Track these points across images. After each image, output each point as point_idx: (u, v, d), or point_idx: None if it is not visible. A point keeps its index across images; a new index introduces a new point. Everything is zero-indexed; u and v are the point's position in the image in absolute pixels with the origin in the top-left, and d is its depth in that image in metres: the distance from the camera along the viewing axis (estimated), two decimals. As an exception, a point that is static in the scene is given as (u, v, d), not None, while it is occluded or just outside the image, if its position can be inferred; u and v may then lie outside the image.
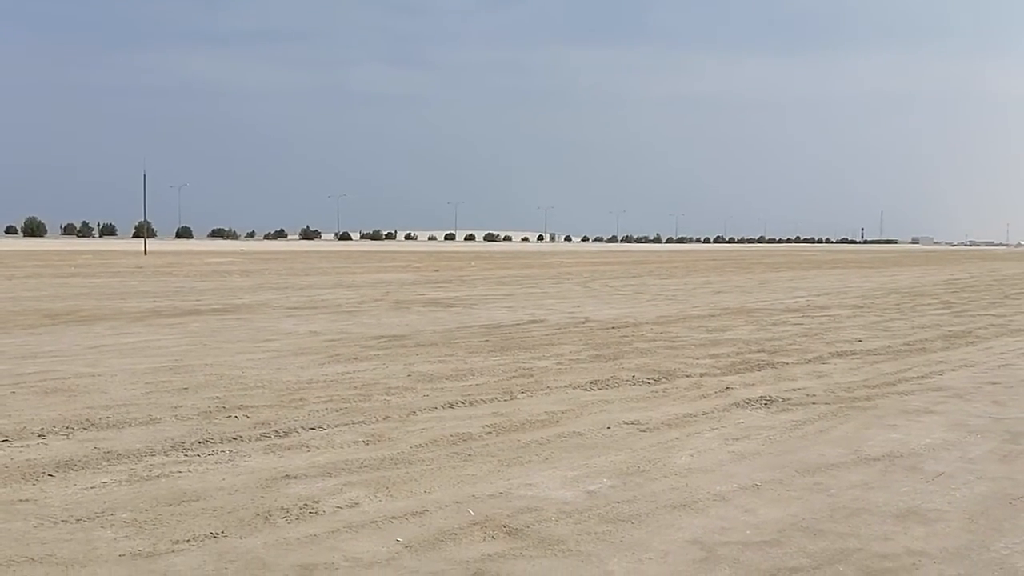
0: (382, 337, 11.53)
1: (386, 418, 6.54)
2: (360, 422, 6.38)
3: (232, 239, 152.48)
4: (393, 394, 7.49)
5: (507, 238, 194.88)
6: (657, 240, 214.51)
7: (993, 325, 13.97)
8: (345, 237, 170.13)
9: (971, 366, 9.53)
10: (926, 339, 11.91)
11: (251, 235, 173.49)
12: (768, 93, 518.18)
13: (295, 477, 4.96)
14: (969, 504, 4.64)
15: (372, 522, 4.22)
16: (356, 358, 9.59)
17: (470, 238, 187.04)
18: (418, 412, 6.77)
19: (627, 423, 6.46)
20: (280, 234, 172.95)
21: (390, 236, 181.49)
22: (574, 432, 6.16)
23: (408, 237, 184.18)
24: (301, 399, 7.18)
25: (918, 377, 8.72)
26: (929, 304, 18.50)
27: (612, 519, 4.34)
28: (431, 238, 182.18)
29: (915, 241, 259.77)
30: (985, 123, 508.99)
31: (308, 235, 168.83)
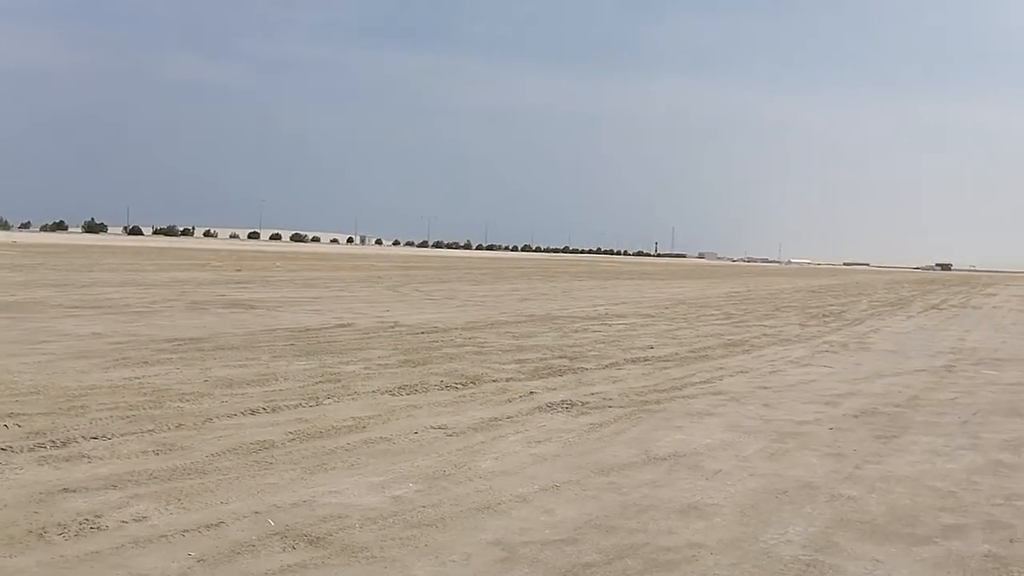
0: (176, 340, 10.88)
1: (179, 426, 6.18)
2: (150, 430, 5.99)
3: (2, 230, 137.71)
4: (188, 400, 7.09)
5: (315, 239, 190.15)
6: (468, 246, 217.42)
7: (765, 335, 15.38)
8: (135, 232, 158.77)
9: (746, 372, 10.44)
10: (709, 347, 12.90)
11: (26, 226, 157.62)
12: (575, 109, 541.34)
13: (74, 490, 4.57)
14: (742, 499, 5.08)
15: (161, 536, 3.98)
16: (146, 362, 8.99)
17: (276, 237, 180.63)
18: (216, 419, 6.46)
19: (434, 428, 6.52)
20: (60, 226, 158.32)
21: (187, 232, 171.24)
22: (381, 438, 6.12)
23: (207, 234, 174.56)
24: (82, 406, 6.63)
25: (701, 382, 9.43)
26: (712, 315, 20.06)
27: (417, 524, 4.36)
28: (233, 236, 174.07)
29: (702, 256, 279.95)
30: (762, 150, 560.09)
31: (92, 228, 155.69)
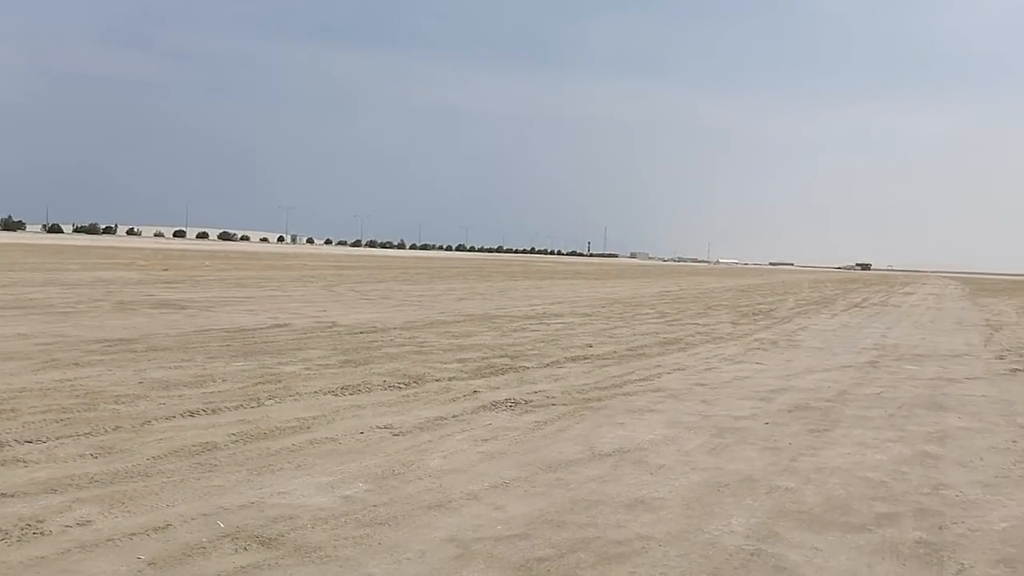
0: (106, 341, 10.56)
1: (117, 428, 6.03)
2: (87, 433, 5.82)
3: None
4: (123, 403, 6.91)
5: (245, 238, 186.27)
6: (401, 246, 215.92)
7: (699, 333, 15.74)
8: (55, 230, 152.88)
9: (683, 369, 10.68)
10: (645, 345, 13.14)
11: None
12: (508, 109, 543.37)
13: (12, 496, 4.42)
14: (686, 492, 5.22)
15: (108, 540, 3.89)
16: (77, 364, 8.71)
17: (203, 236, 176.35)
18: (154, 421, 6.32)
19: (380, 427, 6.50)
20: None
21: (109, 231, 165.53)
22: (327, 438, 6.08)
23: (131, 232, 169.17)
24: (13, 409, 6.40)
25: (640, 379, 9.61)
26: (647, 314, 20.41)
27: (369, 522, 4.36)
28: (158, 235, 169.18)
29: (634, 256, 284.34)
30: (692, 152, 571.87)
31: (10, 226, 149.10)
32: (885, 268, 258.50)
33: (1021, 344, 16.11)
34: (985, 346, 15.67)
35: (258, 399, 7.31)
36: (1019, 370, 11.93)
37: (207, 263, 42.56)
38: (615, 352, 12.02)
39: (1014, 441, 7.05)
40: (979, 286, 68.38)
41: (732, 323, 18.58)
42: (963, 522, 4.81)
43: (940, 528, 4.69)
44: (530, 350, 11.72)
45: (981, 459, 6.38)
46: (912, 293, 44.58)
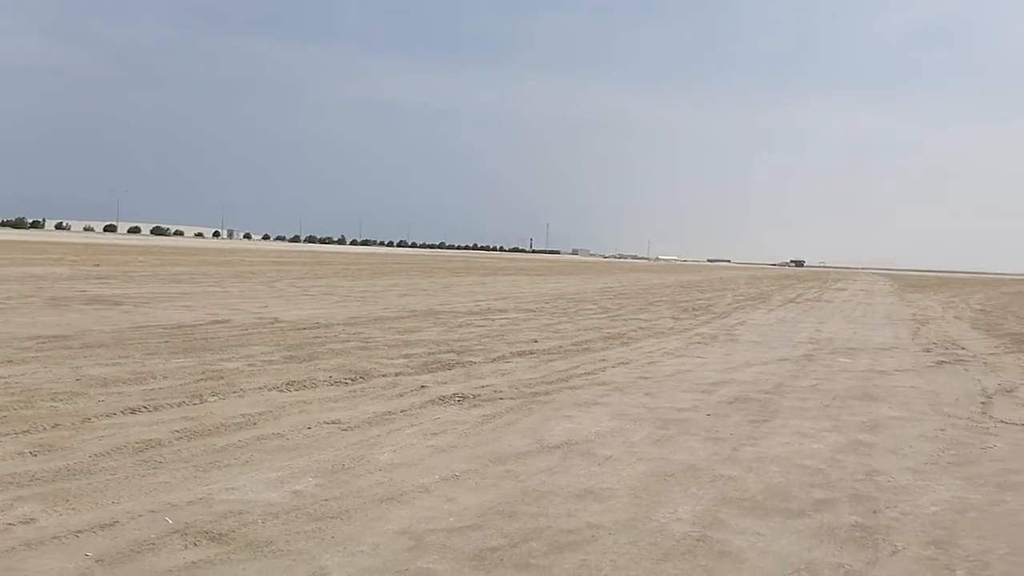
0: (39, 338, 10.25)
1: (56, 426, 5.88)
2: (24, 431, 5.67)
3: None
4: (61, 400, 6.73)
5: (179, 233, 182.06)
6: (342, 241, 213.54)
7: (641, 328, 15.98)
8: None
9: (627, 363, 10.85)
10: (589, 340, 13.29)
11: None
12: (450, 104, 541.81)
13: (-51, 496, 4.29)
14: (633, 482, 5.33)
15: (54, 538, 3.81)
16: (10, 361, 8.44)
17: (135, 231, 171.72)
18: (94, 419, 6.18)
19: (328, 423, 6.47)
20: None
21: (36, 225, 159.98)
22: (274, 434, 6.03)
23: (59, 227, 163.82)
24: (-57, 408, 6.18)
25: (585, 373, 9.74)
26: (590, 309, 20.62)
27: (321, 516, 4.35)
28: (88, 229, 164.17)
29: (575, 252, 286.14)
30: (631, 151, 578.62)
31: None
32: (818, 265, 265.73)
33: (946, 338, 16.79)
34: (913, 339, 16.28)
35: (201, 396, 7.20)
36: (945, 362, 12.44)
37: (140, 258, 41.46)
38: (560, 347, 12.14)
39: (942, 430, 7.37)
40: (907, 282, 70.82)
41: (673, 318, 18.91)
42: (896, 506, 5.02)
43: (874, 512, 4.90)
44: (476, 345, 11.76)
45: (911, 447, 6.66)
46: (844, 289, 45.94)
